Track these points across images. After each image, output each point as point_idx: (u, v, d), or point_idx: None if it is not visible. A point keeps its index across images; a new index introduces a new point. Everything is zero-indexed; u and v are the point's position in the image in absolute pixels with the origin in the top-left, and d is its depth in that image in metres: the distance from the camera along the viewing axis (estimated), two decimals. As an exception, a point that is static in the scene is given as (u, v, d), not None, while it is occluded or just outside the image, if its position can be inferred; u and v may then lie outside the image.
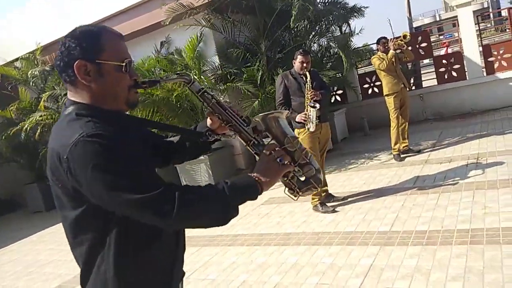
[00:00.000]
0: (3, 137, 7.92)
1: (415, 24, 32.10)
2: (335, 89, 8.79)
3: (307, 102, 4.24)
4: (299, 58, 4.35)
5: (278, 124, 1.36)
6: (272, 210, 4.84)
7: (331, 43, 7.67)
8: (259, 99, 6.18)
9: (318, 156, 4.40)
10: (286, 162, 1.26)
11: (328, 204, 4.42)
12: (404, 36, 5.64)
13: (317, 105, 4.20)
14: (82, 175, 1.05)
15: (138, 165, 1.10)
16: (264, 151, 1.28)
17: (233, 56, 6.76)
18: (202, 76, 6.67)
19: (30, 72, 7.92)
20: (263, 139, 1.33)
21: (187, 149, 1.49)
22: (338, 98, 8.98)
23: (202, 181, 6.46)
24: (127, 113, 1.47)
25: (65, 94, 6.79)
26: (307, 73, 4.28)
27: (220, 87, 6.65)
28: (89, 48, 1.14)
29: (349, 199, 4.57)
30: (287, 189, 1.36)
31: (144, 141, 1.31)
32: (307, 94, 4.24)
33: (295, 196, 1.36)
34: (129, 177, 1.06)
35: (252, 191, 1.20)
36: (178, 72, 1.41)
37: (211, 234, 4.49)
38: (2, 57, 8.72)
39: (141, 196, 1.04)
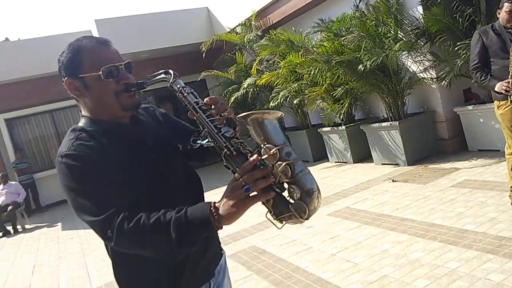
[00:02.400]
0: (225, 94, 9.24)
1: None
2: None
3: (511, 67, 3.24)
4: (506, 6, 3.30)
5: (261, 127, 1.04)
6: (460, 196, 4.06)
7: None
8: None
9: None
10: (252, 193, 1.00)
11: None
12: None
13: (526, 70, 3.16)
14: None
15: (97, 187, 1.10)
16: (236, 173, 1.03)
17: (440, 7, 5.69)
18: (398, 33, 5.94)
19: (245, 37, 8.81)
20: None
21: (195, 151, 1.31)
22: None
23: (392, 148, 5.94)
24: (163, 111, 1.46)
25: (271, 59, 7.27)
26: (517, 26, 3.24)
27: (419, 46, 5.79)
28: (70, 66, 1.20)
29: None
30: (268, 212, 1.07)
31: (141, 146, 1.26)
32: (511, 55, 3.24)
33: (280, 222, 1.07)
34: (87, 198, 1.09)
35: (202, 227, 1.02)
36: (164, 70, 1.26)
37: (377, 211, 4.17)
38: (226, 25, 9.99)
39: (92, 218, 1.08)
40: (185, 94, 1.19)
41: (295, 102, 7.28)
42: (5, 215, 8.01)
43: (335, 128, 6.96)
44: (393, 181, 5.15)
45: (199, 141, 1.18)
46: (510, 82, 3.22)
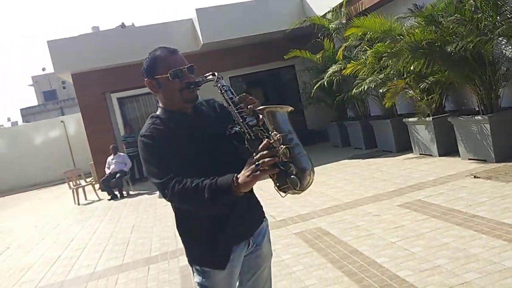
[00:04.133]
0: (313, 81, 9.42)
1: None
2: None
3: None
4: None
5: (274, 118, 1.34)
6: (544, 196, 3.82)
7: None
8: None
9: None
10: (262, 168, 1.31)
11: None
12: None
13: None
14: None
15: (162, 159, 1.52)
16: (254, 153, 1.34)
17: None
18: (497, 20, 5.53)
19: (333, 23, 8.83)
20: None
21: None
22: None
23: (481, 143, 5.61)
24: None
25: (359, 45, 7.27)
26: None
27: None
28: (148, 70, 1.64)
29: None
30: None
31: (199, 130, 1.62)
32: None
33: (283, 192, 1.38)
34: (154, 166, 1.53)
35: (226, 191, 1.36)
36: (211, 72, 1.53)
37: (449, 206, 4.11)
38: (318, 12, 10.06)
39: (156, 180, 1.52)
40: (223, 92, 1.54)
41: (380, 91, 7.18)
42: (114, 181, 9.31)
43: (422, 118, 6.74)
44: (475, 177, 4.94)
45: (234, 128, 1.52)
46: None
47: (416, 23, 6.31)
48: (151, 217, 6.62)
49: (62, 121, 16.06)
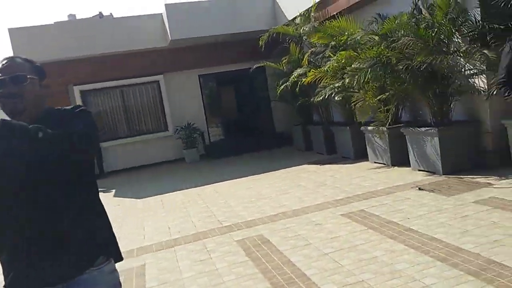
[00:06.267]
0: (276, 84, 9.41)
1: None
2: None
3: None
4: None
5: None
6: (476, 213, 3.91)
7: None
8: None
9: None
10: None
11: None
12: None
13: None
14: None
15: None
16: None
17: (501, 8, 5.29)
18: (454, 36, 5.64)
19: (301, 29, 8.85)
20: None
21: None
22: None
23: (430, 155, 5.73)
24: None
25: (324, 51, 7.26)
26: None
27: (473, 50, 5.45)
28: None
29: None
30: None
31: None
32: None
33: None
34: None
35: None
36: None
37: (387, 218, 4.15)
38: (288, 15, 10.06)
39: None
40: None
41: (337, 98, 7.25)
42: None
43: (378, 128, 6.83)
44: (419, 189, 5.03)
45: None
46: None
47: (373, 39, 6.36)
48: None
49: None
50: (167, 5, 10.36)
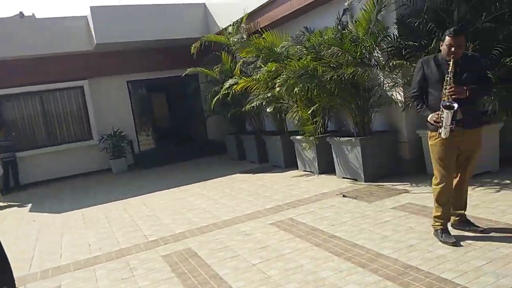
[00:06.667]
0: (209, 94, 9.35)
1: None
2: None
3: (443, 99, 3.30)
4: (447, 40, 3.35)
5: None
6: (395, 219, 4.13)
7: None
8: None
9: (452, 171, 3.42)
10: None
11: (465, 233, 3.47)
12: None
13: (455, 105, 3.21)
14: None
15: None
16: None
17: (415, 27, 5.72)
18: (375, 50, 5.99)
19: (231, 39, 8.88)
20: None
21: None
22: None
23: (353, 164, 6.00)
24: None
25: (255, 62, 7.32)
26: (453, 60, 3.29)
27: (393, 63, 5.82)
28: None
29: (491, 233, 3.43)
30: None
31: None
32: (445, 88, 3.30)
33: None
34: None
35: None
36: None
37: (313, 225, 4.23)
38: (220, 24, 10.06)
39: None
40: None
41: (268, 110, 7.36)
42: (-20, 190, 8.18)
43: (306, 137, 7.02)
44: (343, 196, 5.23)
45: None
46: (440, 115, 3.28)
47: (300, 51, 6.56)
48: (8, 234, 5.86)
49: None
50: (92, 7, 9.85)
